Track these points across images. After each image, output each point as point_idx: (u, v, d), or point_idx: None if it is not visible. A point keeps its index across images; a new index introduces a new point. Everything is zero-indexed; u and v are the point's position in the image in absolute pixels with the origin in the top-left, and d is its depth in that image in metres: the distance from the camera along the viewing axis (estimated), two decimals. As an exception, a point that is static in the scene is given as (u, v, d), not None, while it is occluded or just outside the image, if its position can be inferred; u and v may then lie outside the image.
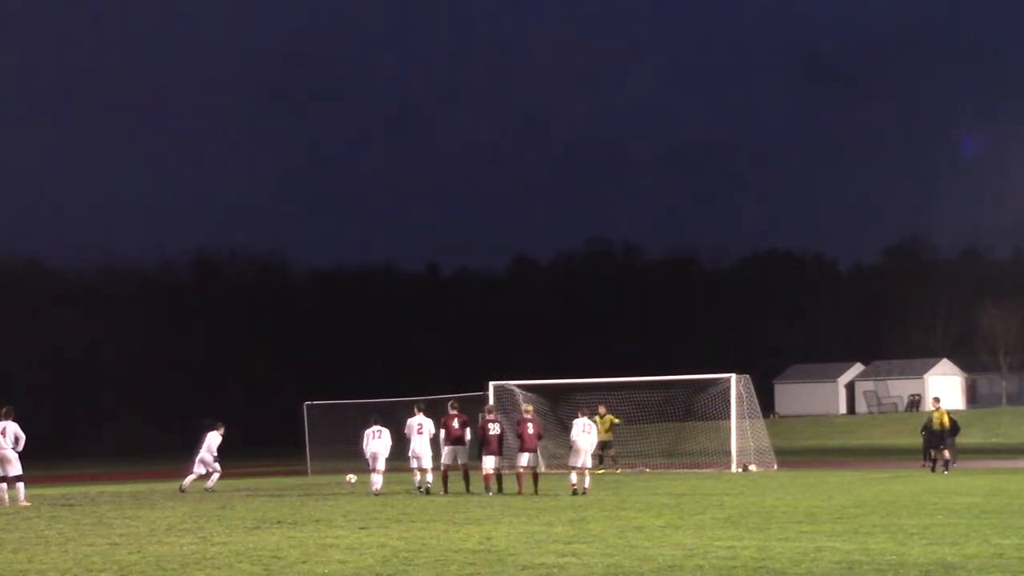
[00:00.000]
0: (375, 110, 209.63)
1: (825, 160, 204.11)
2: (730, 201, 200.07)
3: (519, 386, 44.14)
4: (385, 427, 31.36)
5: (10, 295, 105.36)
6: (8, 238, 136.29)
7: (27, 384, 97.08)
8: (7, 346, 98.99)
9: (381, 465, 30.71)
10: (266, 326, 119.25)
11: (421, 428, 30.68)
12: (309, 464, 49.34)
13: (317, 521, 21.98)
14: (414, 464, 30.51)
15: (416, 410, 31.26)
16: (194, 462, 35.58)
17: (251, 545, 17.77)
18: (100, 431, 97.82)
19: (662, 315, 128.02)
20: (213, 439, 35.82)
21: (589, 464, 29.12)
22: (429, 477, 30.33)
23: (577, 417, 29.45)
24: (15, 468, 28.36)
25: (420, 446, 30.43)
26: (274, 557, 16.15)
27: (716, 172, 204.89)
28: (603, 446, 38.75)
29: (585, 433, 28.89)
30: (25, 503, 28.17)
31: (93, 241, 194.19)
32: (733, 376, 42.24)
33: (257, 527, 20.91)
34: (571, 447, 29.04)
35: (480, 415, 31.49)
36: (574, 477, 28.69)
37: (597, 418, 38.31)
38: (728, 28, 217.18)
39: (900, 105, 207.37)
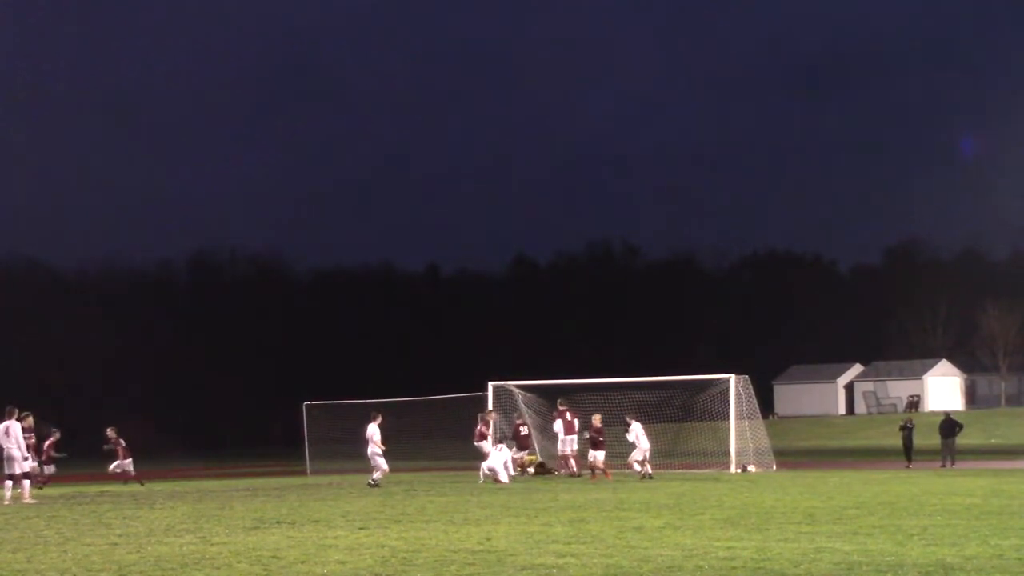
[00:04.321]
0: (375, 110, 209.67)
1: (824, 161, 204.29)
2: (729, 202, 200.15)
3: (518, 386, 44.17)
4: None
5: (10, 295, 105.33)
6: (9, 238, 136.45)
7: (27, 384, 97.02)
8: (7, 346, 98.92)
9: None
10: (265, 326, 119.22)
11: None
12: (308, 464, 49.34)
13: (316, 521, 21.98)
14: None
15: (372, 417, 35.23)
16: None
17: (250, 545, 17.78)
18: (99, 431, 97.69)
19: (661, 316, 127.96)
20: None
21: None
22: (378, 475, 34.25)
23: (634, 422, 38.05)
24: (18, 467, 28.94)
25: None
26: (273, 557, 16.16)
27: (715, 173, 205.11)
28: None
29: (645, 435, 37.62)
30: (9, 502, 28.52)
31: (93, 241, 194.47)
32: (732, 377, 42.23)
33: (256, 527, 20.91)
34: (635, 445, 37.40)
35: (590, 419, 37.63)
36: (637, 467, 37.02)
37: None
38: (728, 30, 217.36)
39: (900, 106, 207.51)
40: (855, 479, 34.62)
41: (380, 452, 34.53)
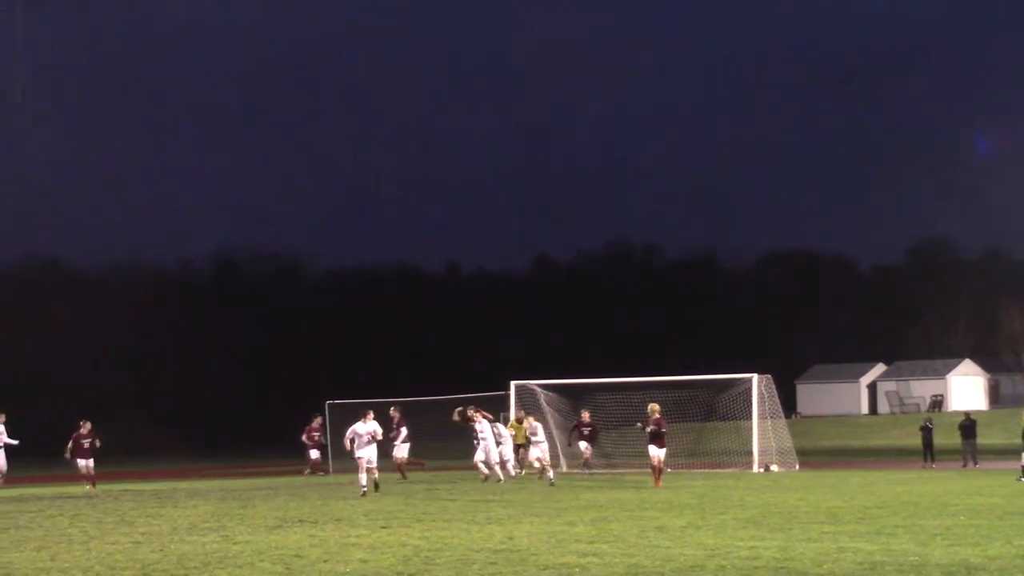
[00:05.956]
0: (394, 110, 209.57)
1: (845, 160, 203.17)
2: (750, 201, 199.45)
3: (540, 386, 44.19)
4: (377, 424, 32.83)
5: (31, 296, 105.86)
6: (29, 239, 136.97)
7: (47, 383, 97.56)
8: (28, 346, 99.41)
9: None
10: (285, 325, 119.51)
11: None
12: (331, 463, 49.42)
13: (338, 520, 22.02)
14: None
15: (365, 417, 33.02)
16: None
17: (273, 544, 17.83)
18: (118, 430, 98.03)
19: (683, 315, 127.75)
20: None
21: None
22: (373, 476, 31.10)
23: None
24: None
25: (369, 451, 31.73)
26: (296, 556, 16.20)
27: (736, 172, 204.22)
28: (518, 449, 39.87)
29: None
30: None
31: (113, 241, 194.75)
32: (755, 376, 42.18)
33: (279, 526, 20.97)
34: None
35: (647, 416, 33.94)
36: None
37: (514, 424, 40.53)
38: (751, 27, 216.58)
39: (922, 104, 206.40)
40: (878, 479, 34.53)
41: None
